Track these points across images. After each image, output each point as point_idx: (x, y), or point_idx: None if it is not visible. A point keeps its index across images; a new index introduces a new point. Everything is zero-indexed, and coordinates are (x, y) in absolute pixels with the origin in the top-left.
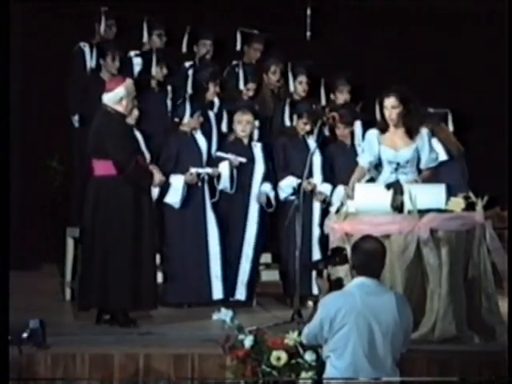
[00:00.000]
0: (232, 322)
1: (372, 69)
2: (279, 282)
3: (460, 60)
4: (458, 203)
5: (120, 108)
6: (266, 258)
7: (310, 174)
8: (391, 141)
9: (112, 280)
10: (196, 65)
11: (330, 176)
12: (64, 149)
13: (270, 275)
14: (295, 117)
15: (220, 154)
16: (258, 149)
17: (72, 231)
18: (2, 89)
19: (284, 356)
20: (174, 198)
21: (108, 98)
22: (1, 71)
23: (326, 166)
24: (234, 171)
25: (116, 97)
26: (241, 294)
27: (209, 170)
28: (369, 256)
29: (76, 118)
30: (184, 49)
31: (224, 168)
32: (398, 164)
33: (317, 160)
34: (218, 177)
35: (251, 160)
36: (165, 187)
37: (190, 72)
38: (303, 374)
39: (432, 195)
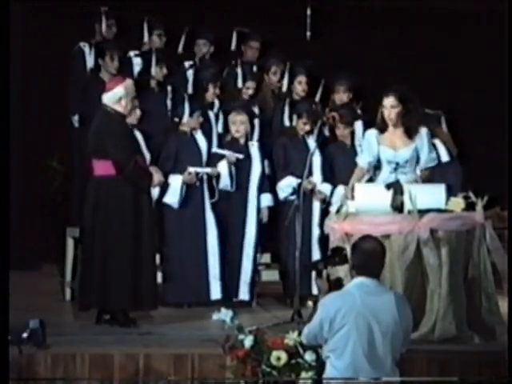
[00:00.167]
0: (232, 322)
1: (372, 69)
2: (279, 282)
3: (460, 60)
4: (457, 203)
5: (119, 108)
6: (266, 258)
7: (310, 174)
8: (390, 141)
9: (112, 280)
10: (196, 64)
11: (329, 176)
12: (64, 149)
13: (269, 275)
14: (295, 117)
15: (216, 150)
16: (255, 148)
17: (72, 231)
18: (2, 89)
19: (284, 356)
20: (172, 198)
21: (107, 98)
22: (1, 71)
23: (325, 166)
24: (233, 169)
25: (115, 96)
26: (244, 293)
27: (208, 169)
28: (368, 256)
29: (76, 118)
30: (184, 49)
31: (223, 167)
32: (397, 164)
33: (316, 160)
34: (218, 176)
35: (248, 159)
36: (164, 187)
37: (190, 72)
38: (303, 374)
39: (432, 195)
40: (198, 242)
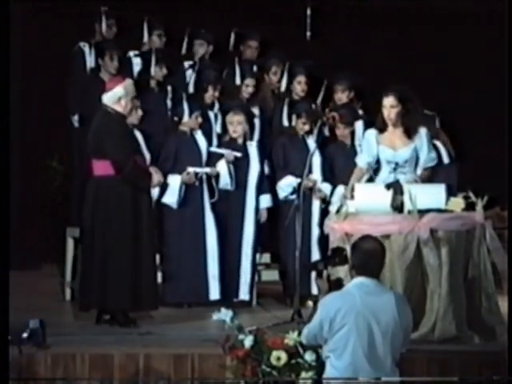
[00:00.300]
0: (232, 322)
1: (372, 69)
2: (279, 282)
3: (460, 60)
4: (457, 203)
5: (119, 108)
6: (266, 257)
7: (310, 173)
8: (390, 140)
9: (112, 280)
10: (196, 64)
11: (329, 176)
12: (64, 149)
13: (269, 275)
14: (294, 117)
15: (214, 149)
16: (253, 148)
17: (72, 231)
18: (2, 89)
19: (284, 356)
20: (171, 198)
21: (107, 98)
22: (1, 71)
23: (325, 166)
24: (232, 168)
25: (115, 96)
26: (244, 294)
27: (207, 169)
28: (368, 256)
29: (76, 117)
30: (184, 49)
31: (222, 166)
32: (397, 164)
33: (316, 160)
34: (217, 176)
35: (246, 159)
36: (163, 187)
37: (190, 72)
38: (303, 374)
39: (432, 195)
40: (198, 242)
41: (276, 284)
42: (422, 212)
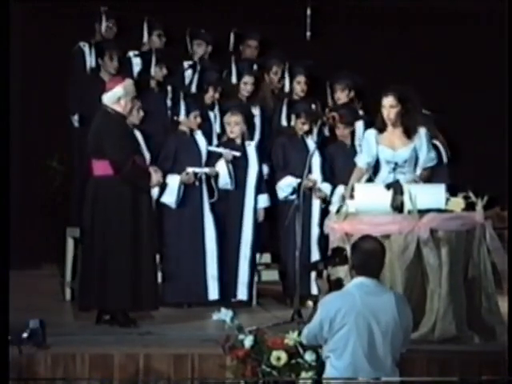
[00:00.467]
0: (232, 322)
1: (372, 69)
2: (279, 282)
3: (460, 60)
4: (457, 203)
5: (119, 108)
6: (266, 257)
7: (310, 173)
8: (389, 140)
9: (112, 280)
10: (197, 65)
11: (329, 176)
12: (64, 149)
13: (269, 275)
14: (293, 117)
15: (212, 148)
16: (251, 148)
17: (72, 231)
18: (2, 89)
19: (284, 356)
20: (169, 197)
21: (107, 98)
22: (1, 71)
23: (325, 166)
24: (231, 167)
25: (114, 96)
26: (243, 294)
27: (206, 169)
28: (368, 256)
29: (76, 117)
30: (184, 49)
31: (221, 166)
32: (396, 164)
33: (316, 161)
34: (216, 176)
35: (245, 159)
36: (162, 187)
37: (189, 72)
38: (303, 374)
39: (432, 195)
40: (196, 242)
41: (276, 284)
42: (422, 212)
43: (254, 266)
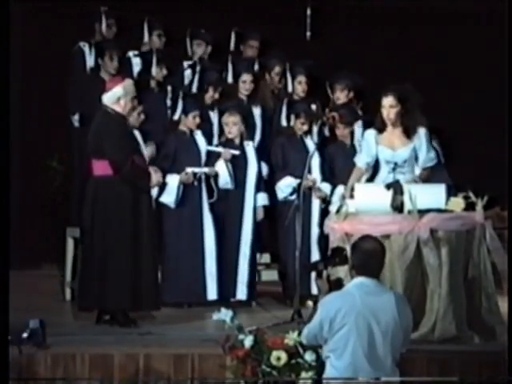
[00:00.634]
0: (232, 322)
1: (372, 69)
2: (279, 282)
3: (460, 60)
4: (457, 203)
5: (118, 108)
6: (266, 257)
7: (309, 173)
8: (389, 140)
9: (111, 280)
10: (197, 65)
11: (329, 176)
12: (64, 149)
13: (269, 275)
14: (293, 117)
15: (210, 147)
16: (250, 148)
17: (72, 231)
18: (2, 89)
19: (284, 356)
20: (168, 197)
21: (107, 98)
22: (1, 71)
23: (324, 166)
24: (230, 166)
25: (114, 96)
26: (242, 293)
27: (205, 169)
28: (368, 256)
29: (76, 117)
30: (184, 50)
31: (221, 166)
32: (396, 164)
33: (315, 161)
34: (216, 176)
35: (244, 159)
36: (162, 186)
37: (188, 72)
38: (303, 374)
39: (432, 195)
40: (196, 241)
41: (276, 284)
42: (422, 212)
43: (254, 265)
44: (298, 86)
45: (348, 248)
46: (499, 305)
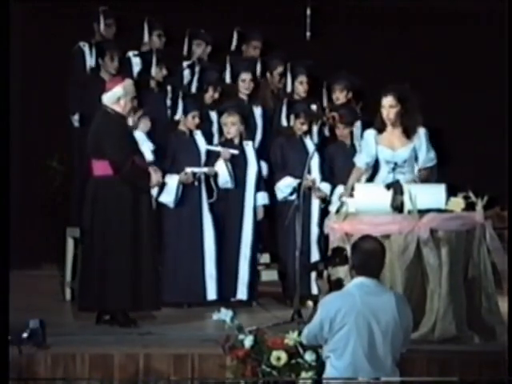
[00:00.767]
0: (232, 322)
1: (372, 69)
2: (279, 282)
3: (460, 60)
4: (457, 203)
5: (118, 108)
6: (266, 257)
7: (309, 173)
8: (388, 141)
9: (111, 280)
10: (196, 65)
11: (329, 176)
12: (64, 149)
13: (269, 275)
14: (292, 117)
15: (209, 147)
16: (249, 148)
17: (72, 231)
18: (2, 89)
19: (284, 356)
20: (168, 197)
21: (107, 98)
22: (1, 71)
23: (324, 166)
24: (230, 166)
25: (114, 96)
26: (242, 293)
27: (205, 169)
28: (368, 256)
29: (76, 117)
30: (184, 50)
31: (221, 166)
32: (396, 164)
33: (315, 161)
34: (215, 176)
35: (244, 159)
36: (161, 186)
37: (187, 72)
38: (303, 374)
39: (432, 195)
40: (195, 241)
41: (276, 284)
42: (422, 212)
43: (254, 265)
44: (300, 86)
45: (348, 248)
46: (499, 305)
